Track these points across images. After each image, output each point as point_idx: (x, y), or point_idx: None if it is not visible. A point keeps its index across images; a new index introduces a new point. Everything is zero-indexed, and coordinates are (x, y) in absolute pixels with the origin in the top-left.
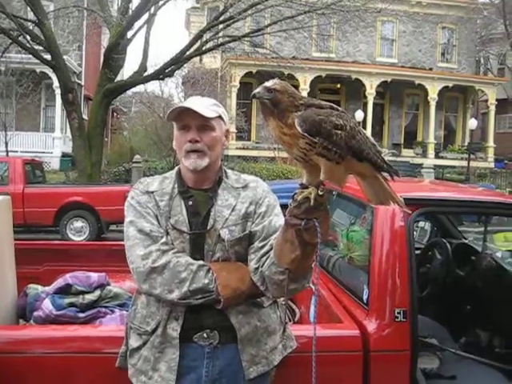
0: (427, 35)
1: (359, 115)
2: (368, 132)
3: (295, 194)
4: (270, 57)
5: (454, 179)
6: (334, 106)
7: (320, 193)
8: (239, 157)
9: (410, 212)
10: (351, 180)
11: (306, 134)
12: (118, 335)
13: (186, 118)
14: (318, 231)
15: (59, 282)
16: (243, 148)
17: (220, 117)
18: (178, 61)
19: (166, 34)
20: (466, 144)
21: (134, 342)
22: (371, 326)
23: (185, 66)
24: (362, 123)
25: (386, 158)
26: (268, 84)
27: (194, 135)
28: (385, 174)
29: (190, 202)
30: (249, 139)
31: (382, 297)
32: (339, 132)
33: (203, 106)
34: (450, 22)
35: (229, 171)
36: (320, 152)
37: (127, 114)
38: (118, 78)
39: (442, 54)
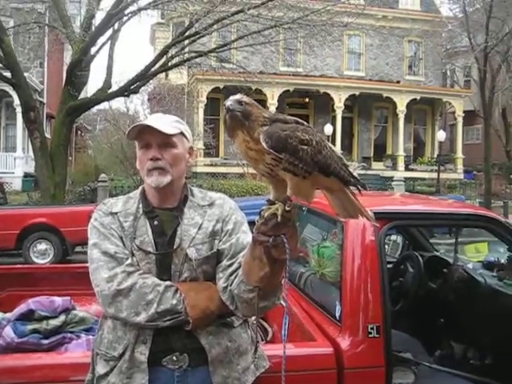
0: (394, 48)
1: (328, 129)
2: (337, 146)
3: (262, 210)
4: (237, 72)
5: (424, 191)
6: (300, 120)
7: (287, 208)
8: (208, 174)
9: (380, 226)
10: (321, 195)
11: (271, 151)
12: (85, 362)
13: (146, 136)
14: (287, 247)
15: (21, 308)
16: (211, 165)
17: (182, 133)
18: (144, 77)
19: (131, 49)
20: (436, 156)
21: (100, 368)
22: (344, 342)
23: (150, 82)
24: (332, 137)
25: (357, 172)
26: (237, 97)
27: (155, 153)
28: (353, 188)
29: (156, 222)
30: (217, 155)
31: (354, 313)
32: (305, 147)
33: (164, 123)
34: (416, 35)
35: (194, 189)
36: (286, 167)
37: (92, 131)
38: (82, 96)
39: (409, 67)
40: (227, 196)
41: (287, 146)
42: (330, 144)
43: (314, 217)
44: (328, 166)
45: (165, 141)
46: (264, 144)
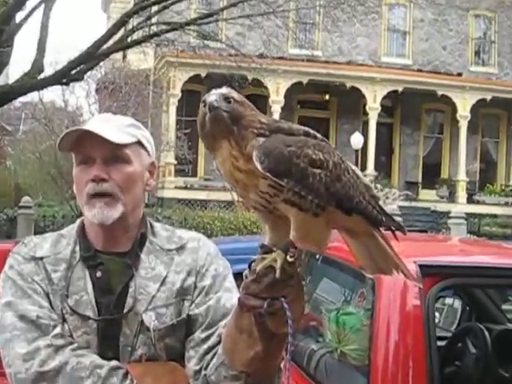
0: (454, 26)
1: (357, 140)
2: (370, 165)
3: (253, 261)
4: (226, 54)
5: (495, 234)
6: (310, 131)
7: (290, 259)
8: (180, 201)
9: (428, 285)
10: (338, 237)
11: (268, 175)
12: None
13: (86, 146)
14: (288, 316)
15: None
16: (186, 187)
17: (139, 143)
18: (91, 58)
19: (74, 17)
20: None
21: None
22: None
23: (101, 65)
24: (362, 152)
25: (396, 204)
26: (223, 90)
27: (99, 171)
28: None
29: (99, 273)
30: (194, 175)
31: None
32: (318, 171)
33: (113, 127)
34: (486, 8)
35: (157, 225)
36: (289, 199)
37: (13, 134)
38: (1, 82)
39: (476, 54)
40: (204, 236)
41: (292, 169)
42: (354, 167)
43: (332, 269)
44: (350, 198)
45: (114, 154)
46: (258, 164)
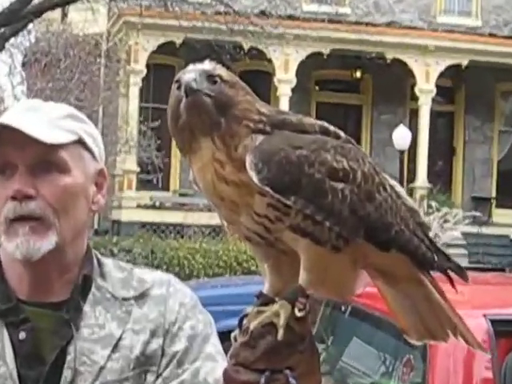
0: None
1: (402, 137)
2: (421, 172)
3: (245, 316)
4: (212, 12)
5: None
6: (331, 127)
7: (299, 313)
8: (145, 225)
9: (503, 351)
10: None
11: (268, 189)
12: None
13: (5, 148)
14: None
15: None
16: (153, 206)
17: (81, 142)
18: (15, 18)
19: None
20: None
21: None
22: None
23: (29, 28)
24: (409, 154)
25: (459, 230)
26: (207, 66)
27: (22, 184)
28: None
29: (23, 335)
30: (165, 187)
31: None
32: (340, 186)
33: (42, 119)
34: None
35: (108, 263)
36: (298, 225)
37: None
38: None
39: None
40: (177, 279)
41: (302, 183)
42: (393, 181)
43: (366, 325)
44: (387, 227)
45: (44, 159)
46: (254, 174)
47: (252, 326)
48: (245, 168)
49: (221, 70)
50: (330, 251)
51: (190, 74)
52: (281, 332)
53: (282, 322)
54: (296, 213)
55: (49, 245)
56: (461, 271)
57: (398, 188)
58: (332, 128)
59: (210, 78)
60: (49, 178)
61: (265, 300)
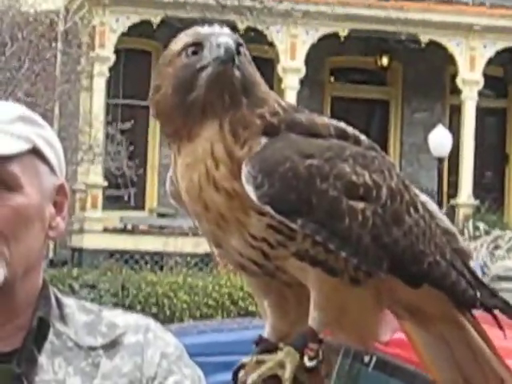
0: None
1: (441, 140)
2: (465, 184)
3: (241, 367)
4: None
5: None
6: (349, 129)
7: (309, 363)
8: (113, 254)
9: None
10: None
11: (269, 209)
12: None
13: None
14: None
15: None
16: (124, 230)
17: (37, 152)
18: None
19: None
20: None
21: None
22: None
23: None
24: (449, 162)
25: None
26: (230, 32)
27: None
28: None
29: None
30: (140, 206)
31: None
32: (361, 206)
33: None
34: None
35: (70, 303)
36: (307, 251)
37: None
38: None
39: None
40: (157, 322)
41: (313, 201)
42: (424, 197)
43: (395, 381)
44: (418, 258)
45: None
46: (251, 189)
47: (250, 379)
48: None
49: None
50: (347, 284)
51: (224, 37)
52: None
53: (287, 374)
54: (304, 237)
55: None
56: (509, 309)
57: (431, 206)
58: (351, 130)
59: (238, 47)
60: None
61: (266, 347)
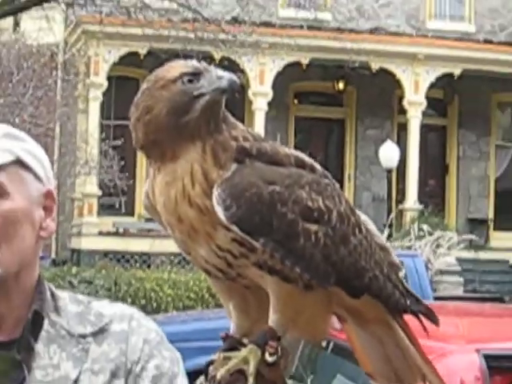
0: None
1: (390, 153)
2: (411, 192)
3: (210, 363)
4: (179, 19)
5: None
6: (307, 159)
7: (270, 358)
8: (107, 254)
9: None
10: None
11: (236, 229)
12: None
13: None
14: None
15: None
16: (116, 233)
17: (20, 163)
18: None
19: None
20: None
21: None
22: None
23: None
24: (397, 173)
25: (454, 255)
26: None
27: None
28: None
29: None
30: (129, 212)
31: None
32: (314, 228)
33: None
34: None
35: (63, 296)
36: (266, 263)
37: None
38: None
39: None
40: (140, 312)
41: (273, 223)
42: (364, 216)
43: (349, 362)
44: (360, 273)
45: None
46: (221, 210)
47: (219, 374)
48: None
49: None
50: (301, 290)
51: (226, 73)
52: (250, 380)
53: (251, 369)
54: (263, 251)
55: None
56: (431, 314)
57: (370, 225)
58: (308, 160)
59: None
60: None
61: (232, 343)
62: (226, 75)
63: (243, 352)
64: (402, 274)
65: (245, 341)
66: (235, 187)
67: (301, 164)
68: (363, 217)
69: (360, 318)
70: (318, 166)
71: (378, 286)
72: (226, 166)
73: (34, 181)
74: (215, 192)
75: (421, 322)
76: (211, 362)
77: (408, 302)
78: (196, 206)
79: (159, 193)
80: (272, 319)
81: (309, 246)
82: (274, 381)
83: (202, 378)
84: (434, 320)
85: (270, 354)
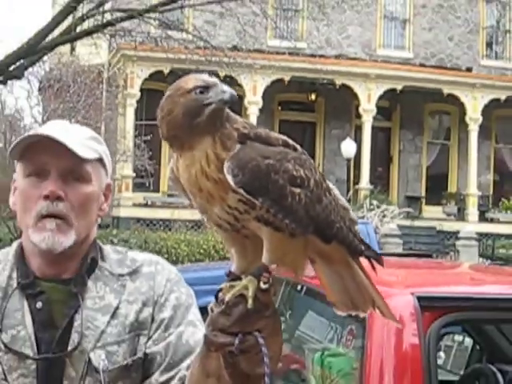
0: (463, 13)
1: (349, 147)
2: (365, 176)
3: (220, 290)
4: (193, 46)
5: None
6: (290, 141)
7: (263, 286)
8: (139, 220)
9: (429, 320)
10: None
11: (241, 191)
12: None
13: (42, 155)
14: (265, 353)
15: None
16: (146, 205)
17: (101, 160)
18: (32, 51)
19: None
20: None
21: None
22: None
23: (44, 60)
24: (355, 161)
25: (395, 222)
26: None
27: (56, 187)
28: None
29: (40, 304)
30: (156, 189)
31: None
32: (298, 191)
33: (75, 138)
34: None
35: (106, 248)
36: (262, 216)
37: None
38: None
39: (488, 46)
40: (163, 259)
41: (269, 187)
42: (332, 185)
43: (318, 302)
44: (330, 224)
45: (74, 169)
46: (230, 177)
47: (227, 297)
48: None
49: None
50: (287, 237)
51: (227, 87)
52: (250, 301)
53: (250, 293)
54: (261, 208)
55: (69, 241)
56: (378, 258)
57: (336, 191)
58: (291, 142)
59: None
60: (75, 185)
61: (233, 277)
62: (228, 90)
63: (244, 281)
64: (357, 228)
65: (243, 276)
66: (240, 160)
67: (286, 145)
68: (331, 185)
69: (327, 259)
70: (298, 147)
71: (343, 234)
72: (232, 147)
73: (104, 175)
74: (226, 164)
75: (371, 263)
76: (220, 290)
77: (363, 248)
78: (212, 179)
79: (182, 171)
80: (265, 258)
81: (294, 204)
82: (267, 302)
83: (212, 303)
84: (380, 262)
85: (264, 283)
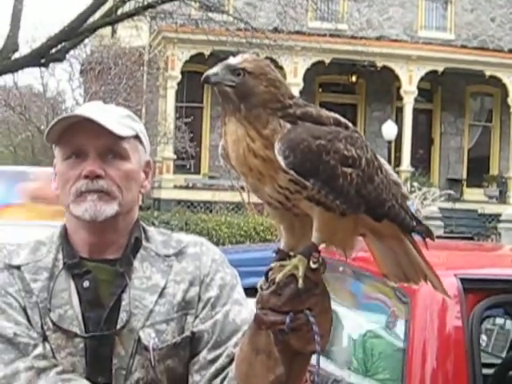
0: None
1: (390, 130)
2: (406, 158)
3: (270, 269)
4: (234, 28)
5: None
6: (342, 119)
7: (313, 265)
8: (180, 202)
9: (472, 302)
10: (364, 246)
11: (292, 172)
12: None
13: (79, 136)
14: (316, 331)
15: None
16: (187, 187)
17: (137, 137)
18: (74, 34)
19: None
20: None
21: None
22: None
23: (86, 42)
24: (396, 143)
25: (436, 205)
26: (233, 61)
27: (95, 166)
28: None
29: (86, 283)
30: (197, 171)
31: None
32: (349, 171)
33: (110, 116)
34: None
35: (151, 229)
36: (314, 196)
37: None
38: None
39: None
40: (207, 241)
41: (320, 168)
42: (383, 160)
43: (358, 283)
44: (382, 203)
45: (111, 147)
46: (281, 159)
47: (278, 278)
48: (272, 147)
49: (247, 63)
50: (337, 216)
51: (213, 69)
52: (300, 281)
53: (301, 273)
54: (312, 188)
55: (111, 210)
56: (429, 232)
57: (386, 166)
58: (343, 120)
59: (234, 71)
60: (114, 163)
61: (282, 255)
62: (210, 70)
63: (294, 261)
64: (409, 202)
65: (291, 253)
66: (291, 141)
67: (338, 123)
68: (382, 160)
69: (379, 235)
70: (350, 124)
71: (394, 212)
72: (272, 125)
73: (143, 152)
74: (276, 146)
75: (423, 237)
76: (270, 269)
77: (414, 224)
78: (260, 156)
79: (231, 150)
80: (315, 237)
81: (345, 184)
82: (317, 281)
83: (261, 281)
84: (431, 237)
85: (314, 262)
